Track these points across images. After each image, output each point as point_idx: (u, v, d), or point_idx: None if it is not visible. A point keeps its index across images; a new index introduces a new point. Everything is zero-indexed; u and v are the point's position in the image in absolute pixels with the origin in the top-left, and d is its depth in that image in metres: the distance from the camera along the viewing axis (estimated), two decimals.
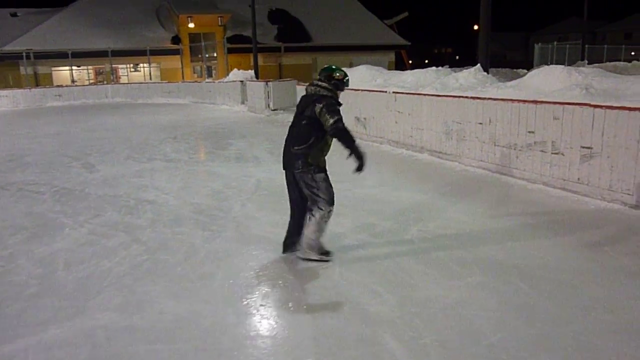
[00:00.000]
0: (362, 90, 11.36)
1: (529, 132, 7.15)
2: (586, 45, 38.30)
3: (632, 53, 42.46)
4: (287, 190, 4.55)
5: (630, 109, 5.80)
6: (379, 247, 4.95)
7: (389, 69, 39.27)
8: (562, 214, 5.86)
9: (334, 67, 4.41)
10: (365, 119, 11.40)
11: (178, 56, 34.51)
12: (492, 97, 7.78)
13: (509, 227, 5.44)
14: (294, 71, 33.53)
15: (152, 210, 6.51)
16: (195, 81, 27.30)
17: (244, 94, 20.61)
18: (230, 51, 35.96)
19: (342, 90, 4.43)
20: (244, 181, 7.90)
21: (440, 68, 10.52)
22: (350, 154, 4.14)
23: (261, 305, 3.91)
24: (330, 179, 4.42)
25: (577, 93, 6.55)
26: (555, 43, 34.62)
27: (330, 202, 4.33)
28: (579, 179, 6.56)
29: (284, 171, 4.51)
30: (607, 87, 6.48)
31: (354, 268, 4.50)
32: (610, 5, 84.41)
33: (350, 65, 39.23)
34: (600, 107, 6.13)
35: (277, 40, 37.65)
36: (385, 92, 10.45)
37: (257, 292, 4.12)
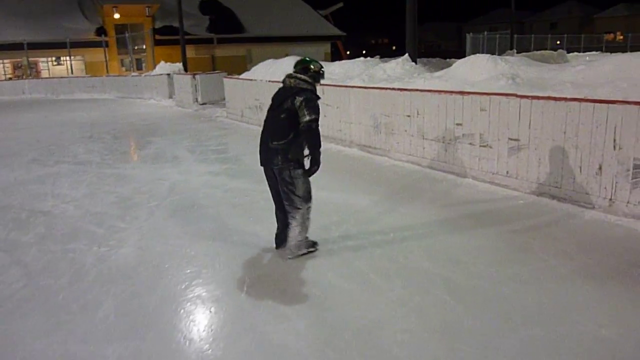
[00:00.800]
0: None
1: (457, 124, 6.85)
2: (515, 35, 39.41)
3: (558, 42, 44.04)
4: (267, 185, 4.48)
5: (555, 99, 5.57)
6: (292, 260, 4.44)
7: (325, 60, 38.94)
8: (492, 212, 5.58)
9: (308, 58, 4.35)
10: None
11: (103, 49, 32.65)
12: (419, 88, 7.45)
13: (436, 230, 5.08)
14: (227, 63, 32.52)
15: (45, 223, 5.74)
16: (121, 75, 25.79)
17: (172, 88, 19.61)
18: (159, 43, 34.44)
19: (319, 82, 4.35)
20: (157, 185, 7.20)
21: (369, 59, 10.15)
22: (309, 156, 4.15)
23: (145, 340, 3.32)
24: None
25: (503, 83, 6.30)
26: (485, 33, 35.28)
27: (307, 199, 4.26)
28: (507, 172, 6.32)
29: (261, 167, 4.44)
30: (533, 76, 6.27)
31: (261, 288, 3.99)
32: None
33: (286, 57, 38.51)
34: (527, 97, 5.89)
35: (209, 31, 36.43)
36: None
37: (145, 325, 3.51)
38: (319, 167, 4.18)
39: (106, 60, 29.76)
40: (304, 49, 39.34)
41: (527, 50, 33.97)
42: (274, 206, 4.58)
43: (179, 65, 21.51)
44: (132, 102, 21.46)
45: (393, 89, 7.95)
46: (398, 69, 8.77)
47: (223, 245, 4.90)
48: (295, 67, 4.33)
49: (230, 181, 7.29)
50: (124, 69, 34.51)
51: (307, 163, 4.22)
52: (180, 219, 5.72)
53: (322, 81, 4.44)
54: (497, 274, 4.02)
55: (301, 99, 4.04)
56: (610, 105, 5.07)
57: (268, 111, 4.39)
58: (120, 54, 34.60)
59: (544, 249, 4.48)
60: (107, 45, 31.90)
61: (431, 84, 7.28)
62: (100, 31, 32.87)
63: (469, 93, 6.51)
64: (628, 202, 5.08)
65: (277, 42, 38.40)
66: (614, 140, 5.10)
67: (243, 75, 13.29)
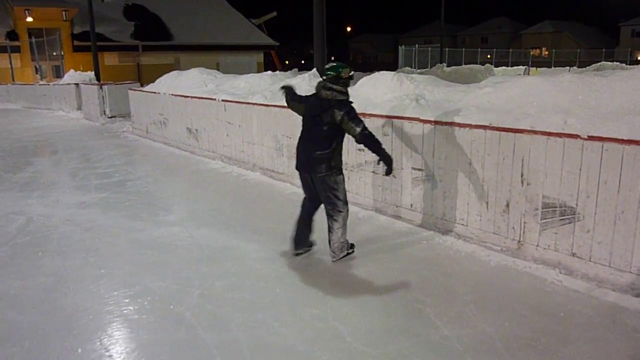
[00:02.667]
0: (191, 97, 9.79)
1: (359, 149, 6.07)
2: (446, 49, 40.03)
3: (488, 56, 45.17)
4: (302, 188, 4.76)
5: (460, 125, 4.88)
6: (135, 329, 3.45)
7: (258, 70, 38.01)
8: (388, 257, 4.78)
9: (336, 64, 4.36)
10: (197, 130, 9.85)
11: (17, 54, 30.27)
12: None
13: (321, 281, 4.22)
14: (154, 71, 30.73)
15: None
16: (27, 83, 23.75)
17: (80, 99, 18.04)
18: (79, 49, 32.43)
19: (350, 86, 4.46)
20: (7, 222, 5.99)
21: (277, 72, 9.32)
22: (379, 160, 4.32)
23: None
24: None
25: (407, 104, 5.57)
26: (417, 46, 35.51)
27: (346, 202, 4.53)
28: (412, 205, 5.59)
29: (297, 171, 4.63)
30: (440, 97, 5.59)
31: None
32: (469, 11, 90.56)
33: (217, 66, 37.29)
34: (429, 122, 5.18)
35: (135, 38, 34.62)
36: (215, 99, 8.98)
37: None
38: (391, 163, 4.31)
39: (11, 67, 27.41)
40: (235, 58, 38.29)
41: (459, 64, 34.49)
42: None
43: (90, 74, 19.93)
44: (38, 114, 19.67)
45: None
46: (304, 85, 7.94)
47: (50, 311, 3.83)
48: (326, 74, 4.35)
49: (100, 216, 6.17)
50: (38, 76, 32.11)
51: (380, 168, 4.62)
52: (13, 270, 4.59)
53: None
54: (375, 354, 3.19)
55: (342, 113, 4.18)
56: (517, 134, 4.42)
57: (304, 118, 4.53)
58: (34, 60, 32.18)
59: (438, 310, 3.71)
60: (19, 51, 29.56)
61: None
62: (11, 35, 30.42)
63: (370, 115, 5.75)
64: (537, 246, 4.43)
65: (207, 51, 37.10)
66: (522, 175, 4.44)
67: (147, 88, 12.12)
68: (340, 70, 4.31)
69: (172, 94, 10.55)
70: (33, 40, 27.62)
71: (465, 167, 4.90)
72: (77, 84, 18.24)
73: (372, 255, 4.75)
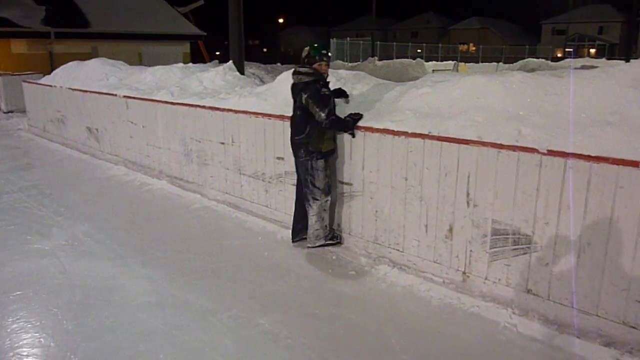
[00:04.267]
0: (90, 92, 8.48)
1: (278, 157, 5.16)
2: (378, 42, 39.78)
3: (419, 50, 45.44)
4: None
5: (394, 132, 4.06)
6: None
7: (185, 61, 36.10)
8: (312, 294, 3.91)
9: (307, 47, 4.41)
10: (97, 130, 8.55)
11: None
12: (232, 107, 5.64)
13: (210, 328, 3.28)
14: (69, 61, 28.44)
15: None
16: None
17: None
18: None
19: (322, 61, 4.35)
20: None
21: (190, 65, 8.20)
22: (350, 133, 4.35)
23: None
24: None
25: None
26: (348, 39, 34.96)
27: (326, 192, 4.42)
28: (339, 225, 4.74)
29: None
30: (370, 97, 4.75)
31: None
32: (399, 6, 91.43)
33: (139, 57, 35.11)
34: (358, 128, 4.33)
35: (46, 24, 31.74)
36: (116, 95, 7.74)
37: None
38: (355, 123, 4.31)
39: None
40: (159, 47, 36.04)
41: (390, 58, 34.27)
42: None
43: None
44: None
45: (203, 106, 6.06)
46: (218, 80, 6.91)
47: None
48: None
49: None
50: None
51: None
52: None
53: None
54: None
55: (306, 95, 4.19)
56: (461, 145, 3.65)
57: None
58: None
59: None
60: None
61: (247, 102, 5.53)
62: None
63: (288, 118, 4.82)
64: (486, 279, 3.70)
65: (128, 40, 34.64)
66: (468, 194, 3.68)
67: (43, 80, 10.59)
68: (303, 52, 4.40)
69: (70, 88, 9.16)
70: None
71: (400, 182, 4.10)
72: None
73: (289, 294, 3.85)
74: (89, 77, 9.10)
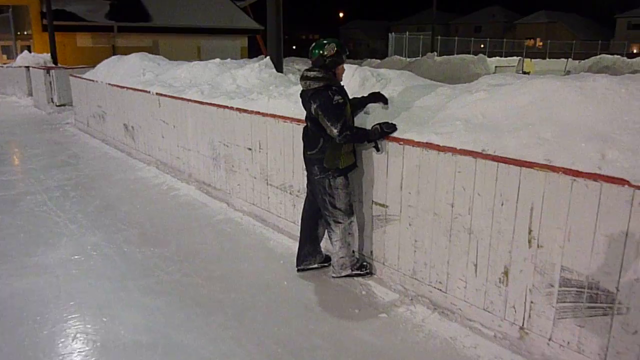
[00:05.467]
0: (127, 88, 8.13)
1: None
2: (438, 37, 38.32)
3: (481, 45, 43.57)
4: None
5: (432, 146, 3.30)
6: None
7: (242, 56, 36.20)
8: (332, 342, 3.23)
9: (319, 41, 3.64)
10: (133, 127, 8.20)
11: None
12: (261, 110, 5.02)
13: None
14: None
15: None
16: None
17: (30, 84, 16.26)
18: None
19: (340, 64, 3.65)
20: None
21: (227, 61, 7.66)
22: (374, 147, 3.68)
23: None
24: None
25: (368, 110, 3.98)
26: (407, 33, 33.80)
27: (349, 212, 3.77)
28: (371, 253, 4.04)
29: None
30: (413, 102, 3.99)
31: None
32: None
33: (198, 51, 35.46)
34: (397, 140, 3.60)
35: (110, 18, 32.55)
36: (149, 92, 7.33)
37: None
38: (381, 135, 3.62)
39: None
40: (218, 41, 36.38)
41: (451, 53, 32.81)
42: None
43: (47, 56, 18.11)
44: None
45: (230, 108, 5.49)
46: (252, 78, 6.32)
47: None
48: (310, 58, 3.66)
49: None
50: (5, 56, 30.12)
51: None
52: None
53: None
54: None
55: (315, 106, 3.53)
56: (524, 169, 2.85)
57: None
58: (1, 40, 30.18)
59: None
60: None
61: (276, 104, 4.89)
62: None
63: None
64: (550, 340, 2.89)
65: (188, 34, 35.19)
66: (530, 231, 2.89)
67: (87, 75, 10.41)
68: (322, 48, 3.58)
69: (109, 83, 8.88)
70: (9, 14, 25.52)
71: (444, 209, 3.34)
72: (27, 67, 16.41)
73: (304, 342, 3.18)
74: (127, 72, 8.77)
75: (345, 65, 4.59)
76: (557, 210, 2.73)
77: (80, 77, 10.64)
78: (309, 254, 4.08)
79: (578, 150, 2.68)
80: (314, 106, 3.53)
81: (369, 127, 3.66)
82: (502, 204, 3.00)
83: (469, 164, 3.14)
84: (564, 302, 2.79)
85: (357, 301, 3.65)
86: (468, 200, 3.18)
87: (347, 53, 3.70)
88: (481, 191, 3.10)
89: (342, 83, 3.78)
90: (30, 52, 27.28)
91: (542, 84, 3.20)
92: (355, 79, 4.47)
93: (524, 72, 24.55)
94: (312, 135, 3.70)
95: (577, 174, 2.62)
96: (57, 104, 14.03)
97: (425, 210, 3.48)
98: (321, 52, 3.59)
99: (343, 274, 3.92)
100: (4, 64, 21.32)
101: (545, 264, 2.85)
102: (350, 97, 3.87)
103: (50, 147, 9.36)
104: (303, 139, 3.86)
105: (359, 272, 3.94)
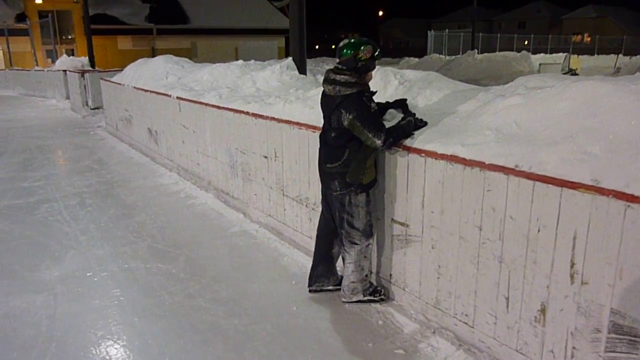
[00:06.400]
0: (150, 91, 7.94)
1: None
2: (480, 34, 37.23)
3: (525, 42, 42.17)
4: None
5: (466, 162, 2.86)
6: None
7: (279, 56, 36.11)
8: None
9: (353, 40, 3.19)
10: (156, 132, 8.02)
11: (27, 38, 28.95)
12: (276, 115, 4.67)
13: None
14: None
15: None
16: (24, 69, 22.37)
17: (67, 87, 16.49)
18: (92, 33, 31.22)
19: (371, 70, 3.28)
20: None
21: (252, 62, 7.36)
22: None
23: None
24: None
25: (390, 115, 3.56)
26: (447, 31, 32.93)
27: (368, 234, 3.41)
28: (391, 275, 3.62)
29: None
30: (439, 106, 3.56)
31: None
32: None
33: (236, 51, 35.57)
34: (419, 152, 3.18)
35: (149, 21, 33.09)
36: (170, 96, 7.11)
37: None
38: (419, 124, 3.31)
39: (9, 50, 26.12)
40: (255, 42, 36.51)
41: (493, 50, 31.74)
42: None
43: (85, 59, 18.36)
44: (30, 102, 18.31)
45: (246, 113, 5.16)
46: (272, 80, 5.98)
47: None
48: (338, 56, 3.24)
49: None
50: (49, 60, 30.95)
51: None
52: None
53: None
54: None
55: (351, 117, 3.10)
56: (565, 189, 2.38)
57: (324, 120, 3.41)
58: (45, 44, 31.01)
59: None
60: (27, 34, 28.28)
61: (292, 109, 4.54)
62: (21, 18, 29.27)
63: None
64: None
65: (225, 35, 35.46)
66: (572, 264, 2.42)
67: (115, 78, 10.33)
68: (359, 50, 3.15)
69: (134, 87, 8.73)
70: (37, 21, 26.24)
71: (472, 232, 2.89)
72: (64, 71, 16.66)
73: None
74: (152, 76, 8.60)
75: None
76: (606, 241, 2.26)
77: (109, 81, 10.58)
78: (323, 275, 3.71)
79: (633, 169, 2.20)
80: (349, 116, 3.12)
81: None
82: (538, 230, 2.54)
83: (500, 181, 2.69)
84: (614, 351, 2.32)
85: (373, 333, 3.25)
86: (498, 224, 2.73)
87: (380, 57, 3.30)
88: (514, 214, 2.64)
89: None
90: (74, 55, 27.92)
91: (589, 88, 2.71)
92: (375, 80, 4.06)
93: (570, 69, 23.41)
94: (337, 146, 3.28)
95: (631, 198, 2.14)
96: (91, 107, 14.12)
97: (449, 232, 3.05)
98: (355, 52, 3.16)
99: (354, 299, 3.56)
100: (47, 67, 21.77)
101: (590, 304, 2.37)
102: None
103: (78, 151, 9.31)
104: (321, 150, 3.46)
105: (371, 297, 3.57)
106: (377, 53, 3.21)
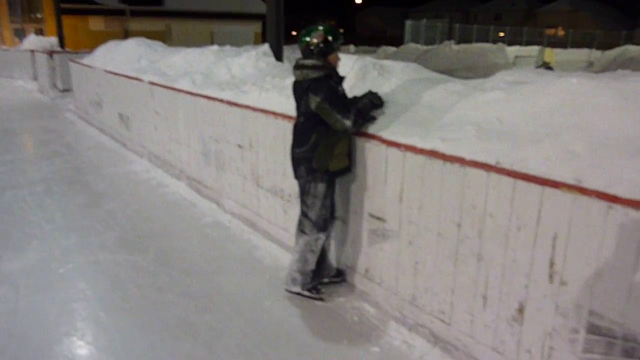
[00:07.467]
0: (121, 75, 7.68)
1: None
2: (457, 25, 37.34)
3: (501, 34, 42.44)
4: None
5: (446, 157, 2.79)
6: None
7: (256, 42, 35.60)
8: None
9: (304, 31, 3.22)
10: (127, 117, 7.77)
11: None
12: (252, 104, 4.54)
13: None
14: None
15: None
16: None
17: (35, 68, 15.94)
18: (63, 12, 30.29)
19: (336, 51, 3.24)
20: None
21: (227, 47, 7.16)
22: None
23: None
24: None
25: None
26: (424, 20, 32.92)
27: (320, 227, 3.35)
28: (366, 270, 3.56)
29: None
30: (419, 100, 3.47)
31: None
32: None
33: (211, 36, 34.92)
34: (396, 145, 3.10)
35: (122, 1, 32.19)
36: (142, 80, 6.87)
37: None
38: (377, 101, 3.32)
39: (1, 28, 25.12)
40: (231, 27, 35.91)
41: (470, 41, 31.87)
42: None
43: (54, 39, 17.74)
44: None
45: (220, 100, 5.01)
46: (248, 67, 5.82)
47: None
48: (299, 47, 3.23)
49: None
50: (17, 40, 29.91)
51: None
52: None
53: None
54: None
55: (319, 99, 3.07)
56: (547, 188, 2.34)
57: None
58: (12, 22, 29.98)
59: None
60: None
61: (268, 98, 4.41)
62: None
63: None
64: None
65: (201, 18, 34.78)
66: (552, 264, 2.38)
67: (86, 60, 9.98)
68: (310, 34, 3.17)
69: (105, 70, 8.44)
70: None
71: (450, 229, 2.84)
72: (32, 51, 16.08)
73: None
74: (124, 59, 8.32)
75: (345, 56, 4.10)
76: (587, 242, 2.22)
77: (78, 63, 10.23)
78: (318, 272, 3.59)
79: (616, 169, 2.15)
80: (317, 99, 3.10)
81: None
82: (518, 229, 2.49)
83: (480, 178, 2.63)
84: (591, 352, 2.29)
85: (348, 330, 3.18)
86: (478, 221, 2.68)
87: (341, 40, 3.25)
88: (494, 212, 2.59)
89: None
90: (42, 35, 27.02)
91: (572, 84, 2.66)
92: (354, 71, 3.96)
93: (544, 62, 23.66)
94: (304, 130, 3.27)
95: (614, 199, 2.10)
96: (61, 90, 13.68)
97: (427, 228, 2.99)
98: (306, 42, 3.18)
99: (293, 290, 3.53)
100: (14, 47, 21.01)
101: (569, 304, 2.34)
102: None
103: (45, 135, 8.99)
104: (293, 137, 3.43)
105: (309, 294, 3.52)
106: (331, 36, 3.18)
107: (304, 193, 3.36)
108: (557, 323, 2.41)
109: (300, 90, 3.24)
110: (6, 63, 18.97)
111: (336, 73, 3.24)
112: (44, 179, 6.29)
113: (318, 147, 3.21)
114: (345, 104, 3.15)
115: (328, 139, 3.20)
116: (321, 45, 3.15)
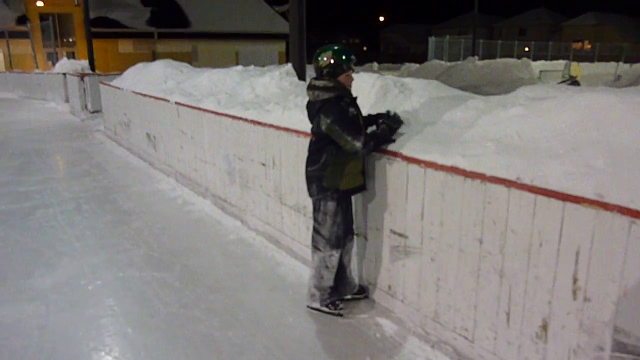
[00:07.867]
0: (149, 96, 7.89)
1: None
2: (481, 40, 37.24)
3: (526, 49, 42.17)
4: None
5: (466, 173, 2.80)
6: None
7: (280, 61, 36.09)
8: None
9: (317, 52, 3.24)
10: (154, 137, 7.96)
11: (28, 40, 28.91)
12: (275, 122, 4.62)
13: None
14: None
15: None
16: (24, 72, 22.36)
17: (67, 90, 16.46)
18: (92, 36, 31.27)
19: (347, 72, 3.23)
20: None
21: (252, 67, 7.32)
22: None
23: None
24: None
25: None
26: (448, 37, 32.95)
27: (333, 244, 3.39)
28: (389, 287, 3.56)
29: None
30: (439, 117, 3.49)
31: None
32: (507, 2, 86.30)
33: (236, 56, 35.51)
34: (417, 161, 3.12)
35: (150, 24, 33.09)
36: (168, 101, 7.05)
37: None
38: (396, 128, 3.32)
39: (9, 52, 26.09)
40: (255, 46, 36.48)
41: (494, 57, 31.77)
42: None
43: (85, 62, 18.30)
44: (30, 104, 18.27)
45: (244, 119, 5.11)
46: (272, 87, 5.93)
47: None
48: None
49: None
50: (50, 63, 30.93)
51: None
52: None
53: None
54: None
55: (329, 120, 3.13)
56: (568, 204, 2.33)
57: None
58: (45, 47, 31.00)
59: None
60: (28, 37, 28.28)
61: (290, 116, 4.49)
62: (22, 20, 29.27)
63: None
64: None
65: (226, 39, 35.45)
66: (575, 280, 2.36)
67: (114, 82, 10.29)
68: (319, 58, 3.21)
69: (133, 91, 8.68)
70: (38, 24, 26.24)
71: (472, 245, 2.83)
72: (64, 74, 16.62)
73: None
74: (150, 80, 8.55)
75: (366, 74, 4.17)
76: (610, 257, 2.20)
77: (108, 84, 10.54)
78: (338, 286, 3.61)
79: (638, 184, 2.14)
80: (327, 120, 3.14)
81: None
82: (540, 245, 2.48)
83: (501, 194, 2.63)
84: None
85: (370, 346, 3.18)
86: (499, 237, 2.67)
87: (352, 61, 3.25)
88: (515, 227, 2.58)
89: (354, 94, 3.37)
90: (74, 58, 27.85)
91: (593, 99, 2.66)
92: (375, 90, 4.01)
93: (571, 77, 23.40)
94: (315, 149, 3.34)
95: (636, 214, 2.09)
96: (91, 111, 14.08)
97: (449, 245, 2.99)
98: (317, 63, 3.24)
99: (313, 306, 3.58)
100: (47, 70, 21.76)
101: (593, 321, 2.31)
102: (364, 111, 3.45)
103: (76, 155, 9.26)
104: (308, 153, 3.48)
105: (328, 310, 3.56)
106: (340, 57, 3.19)
107: (315, 210, 3.43)
108: (582, 340, 2.37)
109: (313, 111, 3.31)
110: (40, 86, 19.67)
111: (348, 93, 3.27)
112: (74, 197, 6.47)
113: (329, 166, 3.26)
114: (356, 125, 3.18)
115: (338, 159, 3.24)
116: (331, 66, 3.18)
